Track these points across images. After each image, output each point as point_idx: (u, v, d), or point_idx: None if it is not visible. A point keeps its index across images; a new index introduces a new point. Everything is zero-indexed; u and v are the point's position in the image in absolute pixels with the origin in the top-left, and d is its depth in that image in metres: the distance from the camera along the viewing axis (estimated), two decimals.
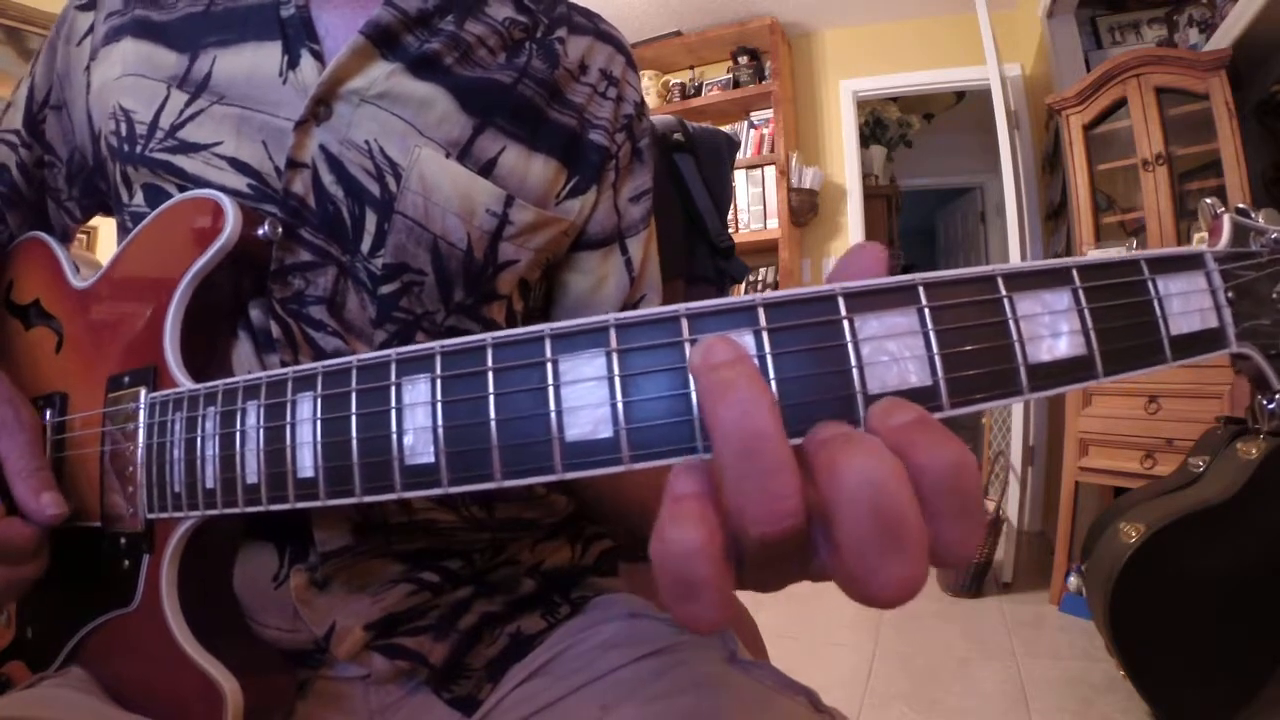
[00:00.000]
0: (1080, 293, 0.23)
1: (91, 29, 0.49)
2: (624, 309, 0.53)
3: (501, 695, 0.43)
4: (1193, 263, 0.25)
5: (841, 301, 0.22)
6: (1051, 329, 0.23)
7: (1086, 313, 0.23)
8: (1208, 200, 0.28)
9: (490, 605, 0.46)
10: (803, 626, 2.11)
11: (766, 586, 0.23)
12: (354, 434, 0.28)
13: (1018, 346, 0.22)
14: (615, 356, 0.23)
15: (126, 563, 0.38)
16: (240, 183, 0.42)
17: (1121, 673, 1.50)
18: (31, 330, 0.48)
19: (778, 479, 0.19)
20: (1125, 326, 0.23)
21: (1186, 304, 0.24)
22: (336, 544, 0.40)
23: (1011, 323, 0.23)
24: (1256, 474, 1.44)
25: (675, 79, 3.52)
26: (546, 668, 0.44)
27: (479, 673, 0.44)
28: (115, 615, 0.39)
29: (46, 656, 0.42)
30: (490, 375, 0.25)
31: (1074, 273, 0.23)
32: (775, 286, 3.23)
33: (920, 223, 5.33)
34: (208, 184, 0.42)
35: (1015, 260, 2.49)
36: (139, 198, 0.44)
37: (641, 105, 0.55)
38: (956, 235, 4.96)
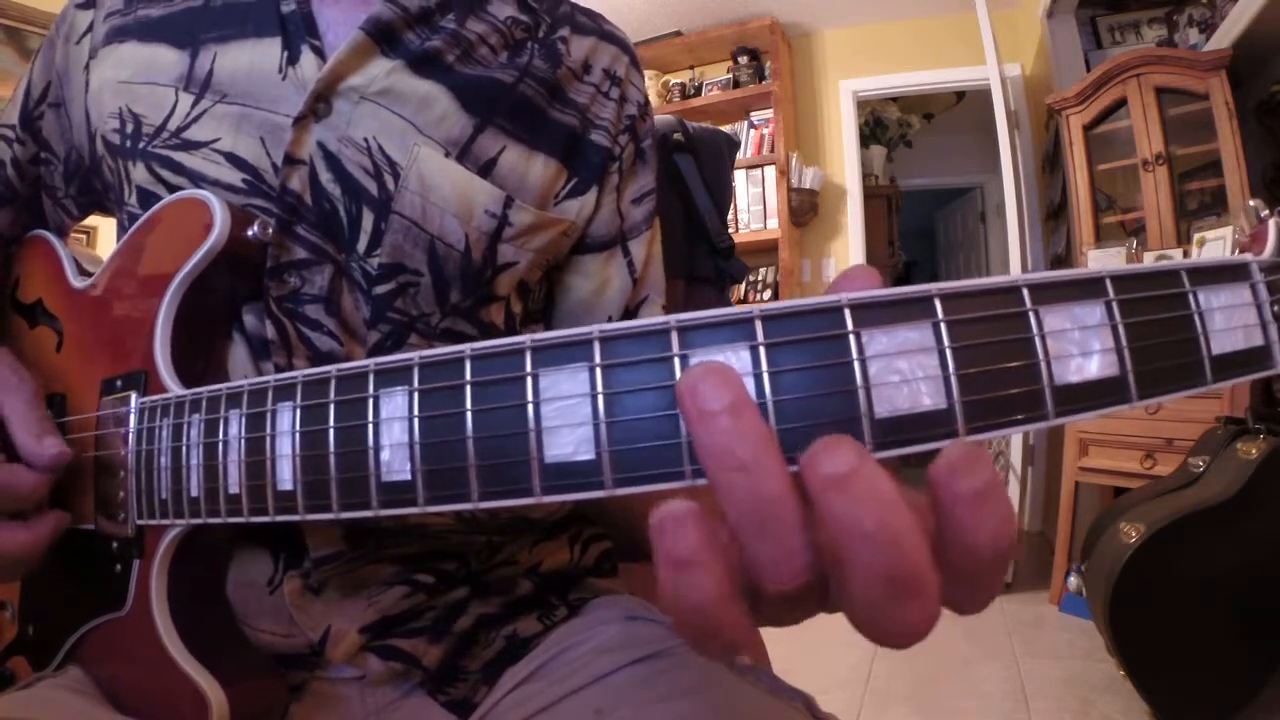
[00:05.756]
0: (1114, 306, 0.21)
1: (91, 28, 0.48)
2: (626, 311, 0.53)
3: (497, 698, 0.43)
4: (1238, 273, 0.22)
5: (848, 314, 0.20)
6: (1082, 346, 0.20)
7: (1121, 329, 0.20)
8: (1251, 203, 0.25)
9: (486, 607, 0.46)
10: (803, 626, 2.07)
11: (783, 624, 0.22)
12: (331, 448, 0.27)
13: (1043, 366, 0.20)
14: (599, 372, 0.21)
15: (118, 567, 0.38)
16: (235, 177, 0.42)
17: (1121, 673, 1.50)
18: (35, 329, 0.48)
19: (791, 541, 0.18)
20: (1162, 344, 0.21)
21: (1229, 319, 0.21)
22: (329, 550, 0.40)
23: (1037, 339, 0.20)
24: (1256, 474, 1.44)
25: (675, 79, 3.51)
26: (542, 671, 0.44)
27: (474, 675, 0.44)
28: (109, 618, 0.38)
29: (47, 655, 0.42)
30: (468, 390, 0.23)
31: (1108, 283, 0.21)
32: (775, 286, 3.22)
33: (920, 223, 5.33)
34: (203, 178, 0.42)
35: (1015, 260, 2.48)
36: (133, 198, 0.44)
37: (645, 105, 0.55)
38: (956, 235, 4.96)
